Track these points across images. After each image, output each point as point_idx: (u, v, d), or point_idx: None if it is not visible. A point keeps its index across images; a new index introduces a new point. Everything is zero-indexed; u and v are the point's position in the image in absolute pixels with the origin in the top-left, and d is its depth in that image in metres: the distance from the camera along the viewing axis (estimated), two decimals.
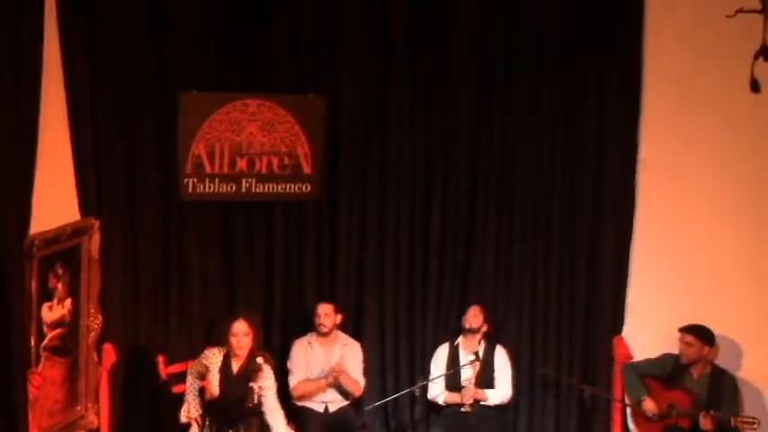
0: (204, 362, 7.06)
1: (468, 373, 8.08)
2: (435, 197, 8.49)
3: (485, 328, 8.12)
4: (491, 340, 8.17)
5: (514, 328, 8.43)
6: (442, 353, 8.22)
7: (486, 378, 8.09)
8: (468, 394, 7.99)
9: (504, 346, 8.22)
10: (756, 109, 7.76)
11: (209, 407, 7.02)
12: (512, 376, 8.14)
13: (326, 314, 8.09)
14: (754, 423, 7.42)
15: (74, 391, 7.07)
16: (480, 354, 8.09)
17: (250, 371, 6.91)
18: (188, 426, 7.12)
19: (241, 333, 6.90)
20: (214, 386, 6.95)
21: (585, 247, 8.30)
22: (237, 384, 6.91)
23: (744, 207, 7.94)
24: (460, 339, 8.17)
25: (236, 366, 6.97)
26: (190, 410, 7.03)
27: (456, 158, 8.46)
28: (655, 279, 8.16)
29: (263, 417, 7.05)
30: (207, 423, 6.98)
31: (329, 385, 8.09)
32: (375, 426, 8.47)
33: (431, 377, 8.14)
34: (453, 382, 8.11)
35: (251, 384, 6.88)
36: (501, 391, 8.11)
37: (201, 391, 7.21)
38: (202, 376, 7.06)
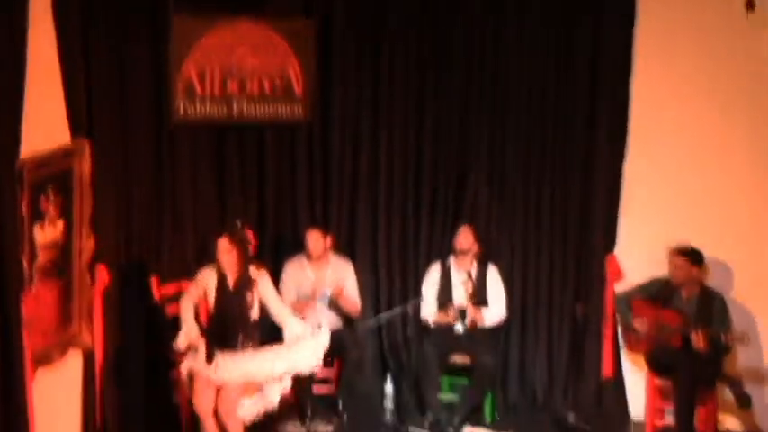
0: (200, 284, 7.13)
1: (460, 294, 8.15)
2: (429, 117, 8.49)
3: (475, 249, 8.17)
4: (483, 260, 8.22)
5: (507, 247, 8.48)
6: (433, 273, 8.28)
7: (479, 298, 8.15)
8: (459, 315, 8.05)
9: (498, 266, 8.28)
10: (752, 26, 7.70)
11: (209, 327, 7.10)
12: (504, 295, 8.21)
13: (316, 240, 8.15)
14: (743, 338, 7.48)
15: (67, 312, 7.13)
16: (473, 274, 8.15)
17: (245, 283, 6.99)
18: (187, 350, 7.19)
19: (224, 251, 6.97)
20: (211, 304, 7.03)
21: (579, 165, 8.30)
22: (234, 299, 6.99)
23: (738, 127, 7.93)
24: (452, 260, 8.22)
25: (231, 282, 7.05)
26: (189, 335, 7.09)
27: (449, 79, 8.44)
28: (647, 198, 8.18)
29: (263, 330, 7.11)
30: (207, 345, 7.04)
31: (330, 305, 8.16)
32: (368, 345, 8.58)
33: (423, 297, 8.20)
34: (445, 303, 8.17)
35: (248, 296, 6.96)
36: (495, 311, 8.17)
37: (196, 317, 7.31)
38: (200, 298, 7.12)
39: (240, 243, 7.02)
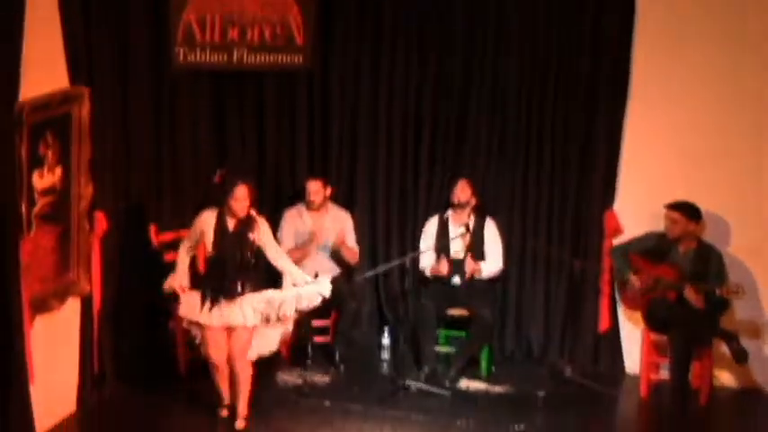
0: (198, 226, 7.09)
1: (458, 247, 8.15)
2: (430, 67, 8.45)
3: (473, 202, 8.16)
4: (481, 213, 8.21)
5: (507, 200, 8.46)
6: (431, 226, 8.27)
7: (476, 251, 8.15)
8: (444, 267, 8.05)
9: (496, 219, 8.27)
10: None
11: (207, 270, 7.08)
12: (502, 248, 8.20)
13: (316, 191, 8.14)
14: (738, 291, 7.48)
15: (65, 259, 7.12)
16: (471, 227, 8.15)
17: (246, 225, 6.98)
18: (173, 295, 7.19)
19: (242, 198, 6.94)
20: (209, 246, 7.01)
21: (580, 120, 8.26)
22: (234, 240, 6.98)
23: (741, 83, 7.89)
24: (450, 213, 8.21)
25: (231, 224, 7.03)
26: (177, 279, 7.08)
27: (451, 29, 8.39)
28: (647, 154, 8.15)
29: (261, 272, 7.10)
30: (204, 290, 7.04)
31: (314, 250, 8.14)
32: (365, 296, 8.60)
33: (420, 250, 8.21)
34: (443, 255, 8.16)
35: (249, 236, 6.96)
36: (492, 264, 8.18)
37: (192, 263, 7.29)
38: (198, 242, 7.10)
39: (254, 192, 6.99)
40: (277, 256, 7.14)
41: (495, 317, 8.16)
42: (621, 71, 8.11)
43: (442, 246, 8.15)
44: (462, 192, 8.11)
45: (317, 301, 7.05)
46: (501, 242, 8.19)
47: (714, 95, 7.95)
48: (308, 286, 7.04)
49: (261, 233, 7.03)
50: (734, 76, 7.89)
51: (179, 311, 7.14)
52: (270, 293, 6.99)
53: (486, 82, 8.40)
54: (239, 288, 6.93)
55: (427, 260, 8.21)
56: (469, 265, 8.07)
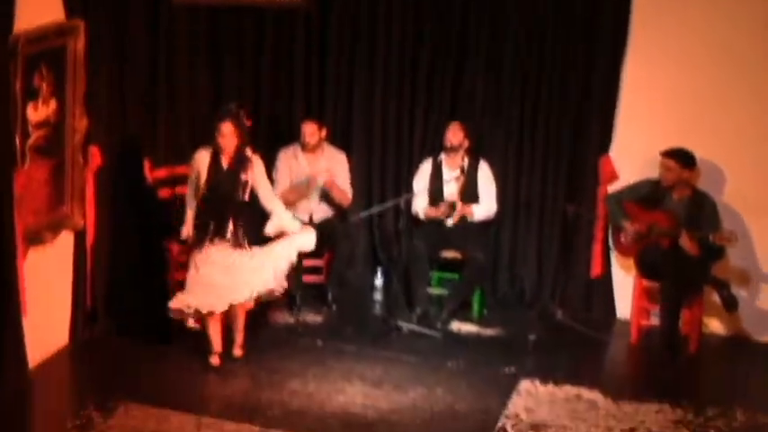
0: (195, 167, 7.08)
1: (452, 189, 8.15)
2: (427, 10, 8.39)
3: (466, 144, 8.14)
4: (475, 156, 8.20)
5: (501, 144, 8.44)
6: (425, 169, 8.25)
7: (469, 193, 8.15)
8: (449, 210, 8.05)
9: (492, 163, 8.26)
10: None
11: (201, 205, 7.07)
12: (495, 191, 8.20)
13: (311, 133, 8.12)
14: (731, 238, 7.49)
15: (59, 192, 7.12)
16: (465, 169, 8.14)
17: (239, 163, 6.96)
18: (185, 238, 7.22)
19: (228, 134, 6.92)
20: (203, 184, 7.01)
21: (577, 64, 8.21)
22: (228, 178, 6.96)
23: (739, 32, 7.84)
24: (443, 156, 8.19)
25: (225, 162, 7.01)
26: (185, 228, 7.11)
27: None
28: (645, 101, 8.12)
29: (253, 211, 7.09)
30: (196, 222, 7.05)
31: (311, 192, 8.14)
32: (359, 236, 8.61)
33: (414, 192, 8.20)
34: (436, 198, 8.18)
35: (242, 176, 6.95)
36: (485, 206, 8.17)
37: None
38: (197, 180, 7.09)
39: (243, 125, 6.96)
40: (268, 196, 7.13)
41: (488, 259, 8.17)
42: (621, 17, 8.04)
43: (436, 189, 8.15)
44: (454, 135, 8.09)
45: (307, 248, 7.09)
46: (494, 185, 8.18)
47: (711, 47, 7.89)
48: (292, 239, 7.04)
49: (255, 170, 7.02)
50: (732, 27, 7.84)
51: (172, 305, 7.08)
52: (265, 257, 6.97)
53: (485, 26, 8.34)
54: (229, 230, 6.92)
55: (420, 203, 8.21)
56: (460, 209, 8.06)
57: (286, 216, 7.17)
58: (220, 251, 6.97)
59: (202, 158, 7.03)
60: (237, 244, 7.00)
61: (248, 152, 7.00)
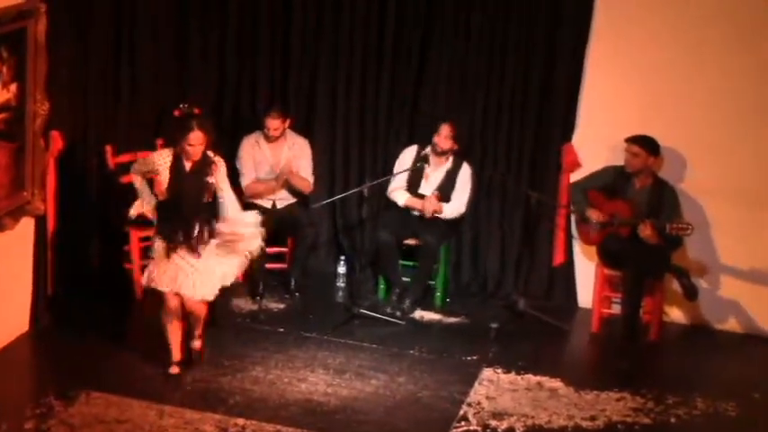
0: (154, 160, 6.85)
1: (431, 186, 8.12)
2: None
3: (455, 148, 8.11)
4: (460, 157, 8.17)
5: (465, 132, 8.41)
6: (408, 155, 8.21)
7: (445, 193, 8.14)
8: (430, 207, 8.05)
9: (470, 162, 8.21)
10: None
11: (162, 208, 6.91)
12: (470, 195, 8.19)
13: (275, 128, 8.07)
14: (687, 228, 7.53)
15: (20, 177, 7.03)
16: (447, 168, 8.12)
17: (204, 166, 6.81)
18: (139, 220, 7.12)
19: (197, 143, 6.74)
20: (164, 185, 6.83)
21: (541, 52, 8.20)
22: (191, 180, 6.80)
23: (707, 17, 7.84)
24: (430, 152, 8.14)
25: (188, 165, 6.84)
26: (144, 203, 6.91)
27: None
28: (608, 89, 8.14)
29: (216, 213, 6.98)
30: (159, 225, 6.92)
31: (280, 187, 8.15)
32: (322, 224, 8.59)
33: (393, 175, 8.16)
34: (412, 189, 8.16)
35: (207, 179, 6.80)
36: (455, 207, 8.15)
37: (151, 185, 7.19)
38: (149, 173, 6.91)
39: (211, 132, 6.80)
40: (230, 198, 6.91)
41: (439, 242, 8.11)
42: (585, 2, 8.04)
43: (414, 181, 8.13)
44: (445, 141, 8.05)
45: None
46: (470, 188, 8.16)
47: (675, 33, 7.92)
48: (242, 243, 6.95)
49: (218, 175, 6.85)
50: (696, 14, 7.86)
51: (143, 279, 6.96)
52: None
53: (449, 10, 8.32)
54: (195, 234, 6.78)
55: (399, 182, 8.15)
56: (431, 204, 8.05)
57: (240, 220, 7.01)
58: (184, 256, 6.84)
59: (161, 160, 6.81)
60: (202, 245, 6.83)
61: (210, 154, 6.83)
